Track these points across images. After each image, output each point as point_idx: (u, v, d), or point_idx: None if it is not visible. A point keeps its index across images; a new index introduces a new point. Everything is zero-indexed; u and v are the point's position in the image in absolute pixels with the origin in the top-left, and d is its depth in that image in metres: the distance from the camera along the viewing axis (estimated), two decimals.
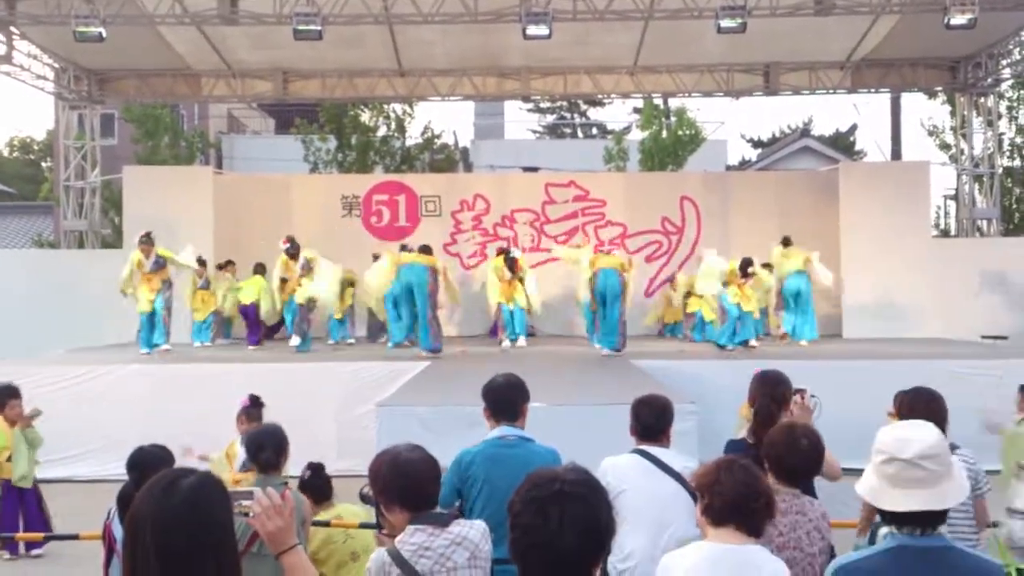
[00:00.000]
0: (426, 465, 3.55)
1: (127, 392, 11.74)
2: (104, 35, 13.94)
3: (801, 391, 5.09)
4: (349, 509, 6.02)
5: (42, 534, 8.35)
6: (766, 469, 3.91)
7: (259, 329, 15.72)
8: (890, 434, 2.85)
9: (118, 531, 4.75)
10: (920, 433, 2.82)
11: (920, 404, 4.80)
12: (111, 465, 10.30)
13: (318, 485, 5.97)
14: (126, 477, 4.92)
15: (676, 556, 3.24)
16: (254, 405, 7.68)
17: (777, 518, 3.82)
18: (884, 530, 2.88)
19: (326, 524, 5.82)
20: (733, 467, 3.29)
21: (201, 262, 15.27)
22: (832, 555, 3.75)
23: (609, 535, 2.38)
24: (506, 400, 4.80)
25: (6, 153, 46.26)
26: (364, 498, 5.63)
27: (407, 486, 3.49)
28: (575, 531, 2.29)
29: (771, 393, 5.01)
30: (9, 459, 8.72)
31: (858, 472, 2.95)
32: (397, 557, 3.37)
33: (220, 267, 16.14)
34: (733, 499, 3.21)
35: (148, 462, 4.71)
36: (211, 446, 7.81)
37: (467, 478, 4.57)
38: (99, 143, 19.59)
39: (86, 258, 17.95)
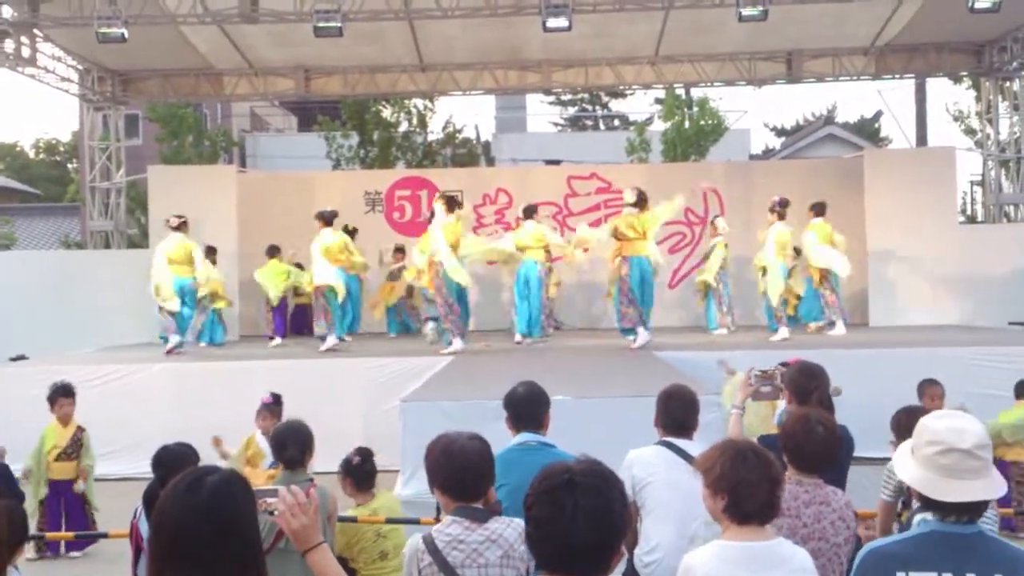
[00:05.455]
0: (477, 457, 3.54)
1: (153, 391, 11.79)
2: (126, 36, 13.97)
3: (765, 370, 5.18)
4: (388, 502, 6.02)
5: (72, 533, 8.42)
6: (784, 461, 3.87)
7: (284, 322, 15.77)
8: (941, 423, 2.79)
9: (145, 529, 4.79)
10: (972, 424, 2.78)
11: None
12: (137, 464, 10.38)
13: (367, 471, 5.99)
14: (152, 475, 4.96)
15: (700, 556, 3.16)
16: (275, 403, 7.76)
17: (801, 509, 3.80)
18: (919, 517, 2.85)
19: (353, 520, 5.83)
20: (751, 462, 3.19)
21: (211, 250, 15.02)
22: (858, 544, 3.72)
23: (623, 523, 2.38)
24: (527, 409, 4.82)
25: (32, 155, 46.66)
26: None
27: (450, 474, 3.52)
28: (589, 521, 2.30)
29: (824, 385, 4.96)
30: (58, 458, 8.82)
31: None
32: (431, 545, 3.39)
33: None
34: (766, 500, 3.15)
35: (172, 460, 4.75)
36: (236, 443, 7.87)
37: None
38: (124, 143, 19.69)
39: (113, 258, 18.08)
